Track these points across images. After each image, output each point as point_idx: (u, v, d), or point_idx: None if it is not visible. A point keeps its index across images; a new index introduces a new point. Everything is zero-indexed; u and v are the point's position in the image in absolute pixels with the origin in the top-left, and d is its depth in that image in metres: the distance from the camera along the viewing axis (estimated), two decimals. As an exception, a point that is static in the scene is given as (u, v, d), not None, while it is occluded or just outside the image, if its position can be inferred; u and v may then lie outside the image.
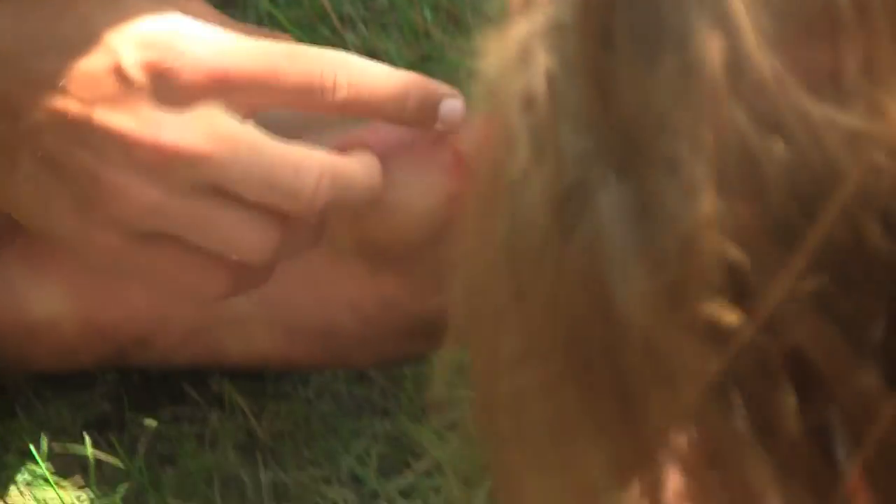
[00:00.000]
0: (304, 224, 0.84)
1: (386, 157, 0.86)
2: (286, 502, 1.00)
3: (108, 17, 0.83)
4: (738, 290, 0.43)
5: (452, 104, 0.86)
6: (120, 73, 0.82)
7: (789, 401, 0.44)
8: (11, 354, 0.96)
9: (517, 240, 0.46)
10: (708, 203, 0.43)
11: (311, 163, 0.82)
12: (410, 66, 1.08)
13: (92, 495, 0.98)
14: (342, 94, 0.83)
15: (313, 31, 1.13)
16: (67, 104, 0.83)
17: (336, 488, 0.98)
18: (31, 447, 0.98)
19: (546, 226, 0.45)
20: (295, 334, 0.95)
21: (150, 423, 1.00)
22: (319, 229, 0.85)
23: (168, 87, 0.82)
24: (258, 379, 1.01)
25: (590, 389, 0.46)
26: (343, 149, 0.85)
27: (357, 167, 0.84)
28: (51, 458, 1.00)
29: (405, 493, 0.99)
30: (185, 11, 0.85)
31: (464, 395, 0.90)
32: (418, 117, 0.86)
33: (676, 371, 0.45)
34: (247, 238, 0.83)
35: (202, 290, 0.86)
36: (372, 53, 1.08)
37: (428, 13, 1.15)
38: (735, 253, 0.43)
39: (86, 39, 0.83)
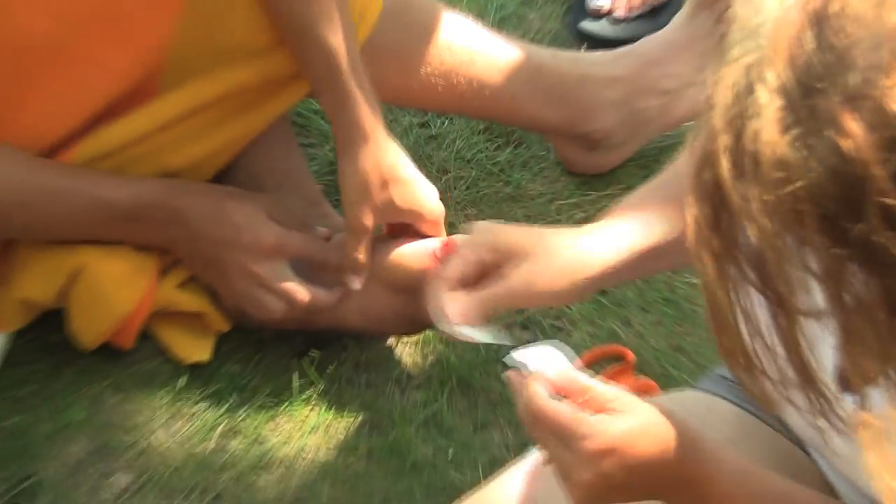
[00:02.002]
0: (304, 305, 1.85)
1: (400, 242, 1.83)
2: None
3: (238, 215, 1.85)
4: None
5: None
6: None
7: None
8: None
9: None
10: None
11: (294, 293, 1.84)
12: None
13: None
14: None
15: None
16: (204, 227, 1.81)
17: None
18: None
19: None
20: (362, 315, 1.90)
21: None
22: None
23: (259, 249, 1.82)
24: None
25: None
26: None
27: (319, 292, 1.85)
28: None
29: None
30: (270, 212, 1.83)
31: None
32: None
33: None
34: (270, 303, 1.84)
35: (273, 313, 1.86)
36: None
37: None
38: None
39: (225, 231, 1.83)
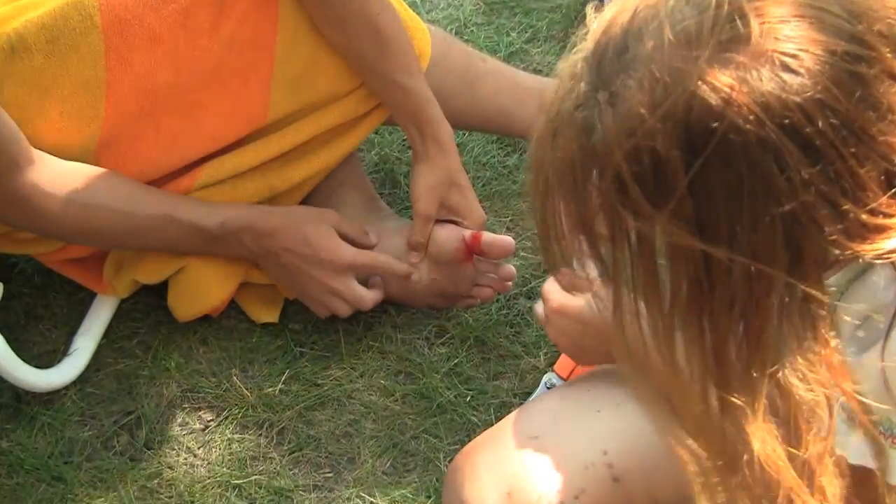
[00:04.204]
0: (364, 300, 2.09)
1: (440, 227, 2.07)
2: None
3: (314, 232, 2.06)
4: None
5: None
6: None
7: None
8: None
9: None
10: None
11: (361, 301, 2.07)
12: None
13: None
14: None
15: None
16: (289, 247, 2.02)
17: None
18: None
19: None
20: (403, 287, 2.13)
21: None
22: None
23: (334, 266, 2.04)
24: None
25: None
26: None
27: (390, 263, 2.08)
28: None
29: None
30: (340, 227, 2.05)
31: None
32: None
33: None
34: (339, 308, 2.08)
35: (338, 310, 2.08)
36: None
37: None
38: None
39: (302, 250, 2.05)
